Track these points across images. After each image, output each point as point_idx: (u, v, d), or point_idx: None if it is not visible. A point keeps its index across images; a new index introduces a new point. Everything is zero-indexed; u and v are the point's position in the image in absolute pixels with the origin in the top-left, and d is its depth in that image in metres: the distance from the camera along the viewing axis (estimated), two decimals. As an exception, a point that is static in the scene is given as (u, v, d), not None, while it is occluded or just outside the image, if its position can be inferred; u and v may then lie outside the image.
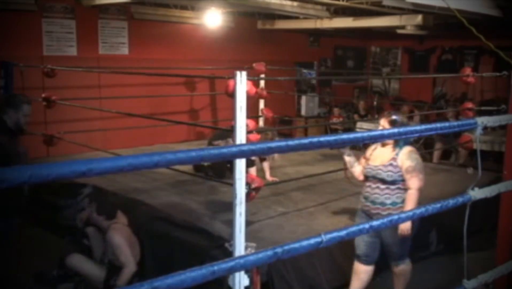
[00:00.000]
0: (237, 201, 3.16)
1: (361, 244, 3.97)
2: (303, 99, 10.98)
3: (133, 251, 4.23)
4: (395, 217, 1.84)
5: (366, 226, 1.71)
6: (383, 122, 3.87)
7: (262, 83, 7.71)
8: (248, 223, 3.45)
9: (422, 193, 3.81)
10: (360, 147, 6.66)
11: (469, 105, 6.36)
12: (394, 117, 3.85)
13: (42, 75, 6.53)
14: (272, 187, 5.38)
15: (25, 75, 6.34)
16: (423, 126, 1.81)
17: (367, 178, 3.90)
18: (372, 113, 10.31)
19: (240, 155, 2.01)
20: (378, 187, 3.80)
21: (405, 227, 3.70)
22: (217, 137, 6.16)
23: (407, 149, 3.79)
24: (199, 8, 8.35)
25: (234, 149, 1.40)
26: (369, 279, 4.08)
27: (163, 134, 8.24)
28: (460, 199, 1.92)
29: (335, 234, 1.54)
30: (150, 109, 7.74)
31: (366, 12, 7.78)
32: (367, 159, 3.94)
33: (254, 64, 7.36)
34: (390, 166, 3.75)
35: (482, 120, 1.93)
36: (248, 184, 3.61)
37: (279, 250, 1.40)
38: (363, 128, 8.68)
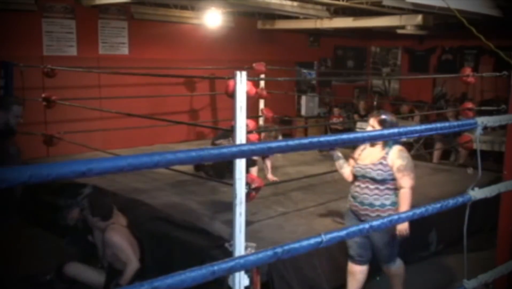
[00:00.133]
0: (237, 201, 3.15)
1: (354, 245, 3.96)
2: (303, 99, 10.97)
3: (133, 251, 4.21)
4: (395, 217, 1.84)
5: (366, 226, 1.71)
6: (373, 122, 3.84)
7: (262, 83, 7.70)
8: (248, 223, 3.44)
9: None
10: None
11: (469, 105, 6.36)
12: (383, 116, 3.82)
13: (42, 75, 6.52)
14: (272, 187, 5.37)
15: (25, 75, 6.33)
16: (423, 126, 1.81)
17: (356, 177, 3.87)
18: (372, 114, 10.29)
19: (240, 155, 2.01)
20: (367, 187, 3.77)
21: (403, 227, 3.68)
22: (220, 137, 6.17)
23: (397, 148, 3.77)
24: (199, 8, 8.35)
25: (234, 149, 1.40)
26: (365, 278, 4.05)
27: (163, 135, 8.24)
28: (460, 199, 1.92)
29: (335, 234, 1.54)
30: (150, 110, 7.72)
31: (366, 12, 7.78)
32: (355, 159, 3.92)
33: (254, 64, 7.35)
34: (380, 165, 3.72)
35: (482, 120, 1.93)
36: (248, 184, 3.61)
37: (279, 250, 1.40)
38: (363, 129, 8.67)
